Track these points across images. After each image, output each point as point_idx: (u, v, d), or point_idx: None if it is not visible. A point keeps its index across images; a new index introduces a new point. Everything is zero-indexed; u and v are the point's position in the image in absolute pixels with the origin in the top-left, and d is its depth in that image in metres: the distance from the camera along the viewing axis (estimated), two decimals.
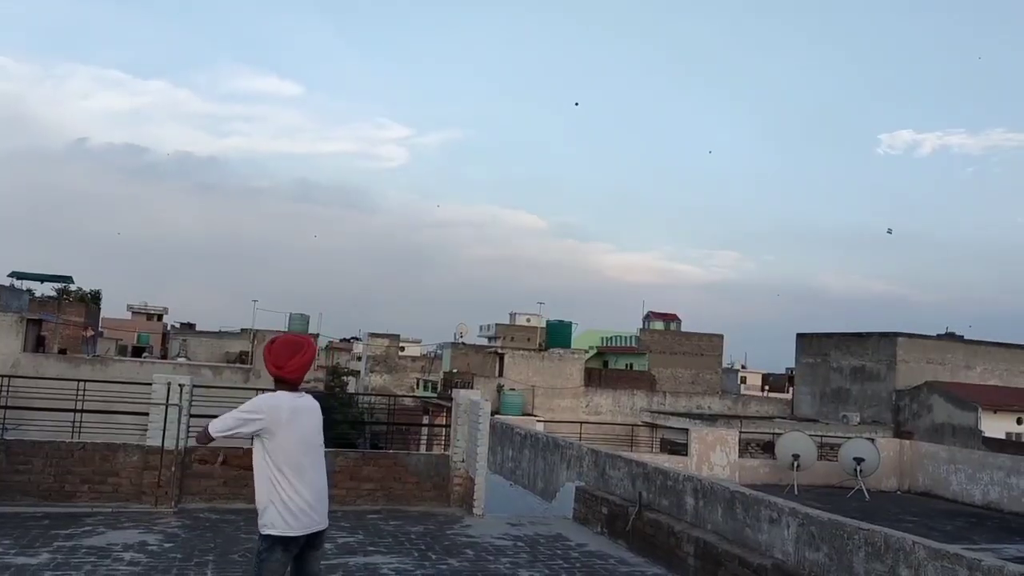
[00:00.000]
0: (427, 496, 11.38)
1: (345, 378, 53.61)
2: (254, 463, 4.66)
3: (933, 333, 31.57)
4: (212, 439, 4.63)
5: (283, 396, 4.65)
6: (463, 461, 11.42)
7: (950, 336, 31.40)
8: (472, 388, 31.55)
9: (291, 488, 4.55)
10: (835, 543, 6.95)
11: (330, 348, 70.01)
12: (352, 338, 77.61)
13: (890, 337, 28.49)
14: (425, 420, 31.36)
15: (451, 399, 12.42)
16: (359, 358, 63.15)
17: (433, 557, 8.53)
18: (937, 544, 6.18)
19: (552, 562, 8.69)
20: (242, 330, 52.51)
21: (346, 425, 33.69)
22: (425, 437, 24.41)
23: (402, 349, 63.53)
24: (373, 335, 60.92)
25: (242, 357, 32.96)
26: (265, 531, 4.59)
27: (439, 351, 52.73)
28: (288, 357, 4.62)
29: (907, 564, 6.18)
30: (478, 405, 11.28)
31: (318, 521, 4.69)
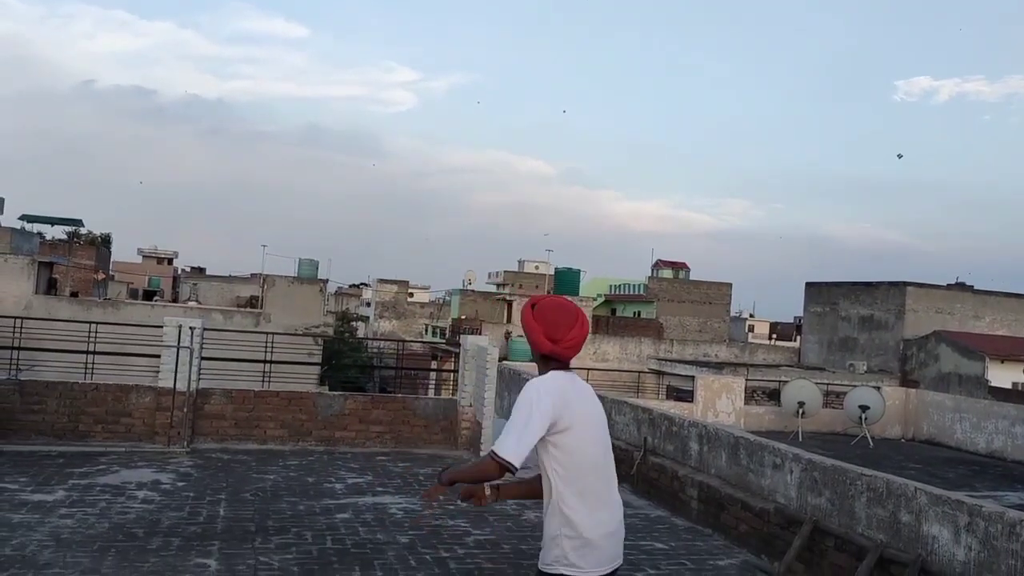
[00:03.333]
0: (435, 439, 11.55)
1: (354, 323, 53.97)
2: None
3: (943, 283, 31.46)
4: (513, 471, 3.10)
5: (563, 378, 3.25)
6: (470, 405, 11.55)
7: (960, 286, 31.28)
8: (480, 334, 31.76)
9: (586, 508, 3.19)
10: (837, 488, 7.03)
11: (339, 294, 70.35)
12: (361, 284, 77.95)
13: (899, 287, 28.40)
14: (433, 365, 31.64)
15: (459, 345, 12.52)
16: (368, 304, 63.49)
17: (441, 498, 8.64)
18: (938, 490, 6.24)
19: None
20: (252, 275, 52.77)
21: (356, 370, 34.06)
22: (433, 382, 24.66)
23: (411, 295, 63.85)
24: (382, 281, 61.19)
25: (252, 301, 33.15)
26: (549, 569, 3.23)
27: (448, 298, 52.98)
28: (568, 327, 3.28)
29: (908, 510, 6.26)
30: (486, 351, 11.36)
31: (618, 554, 3.32)
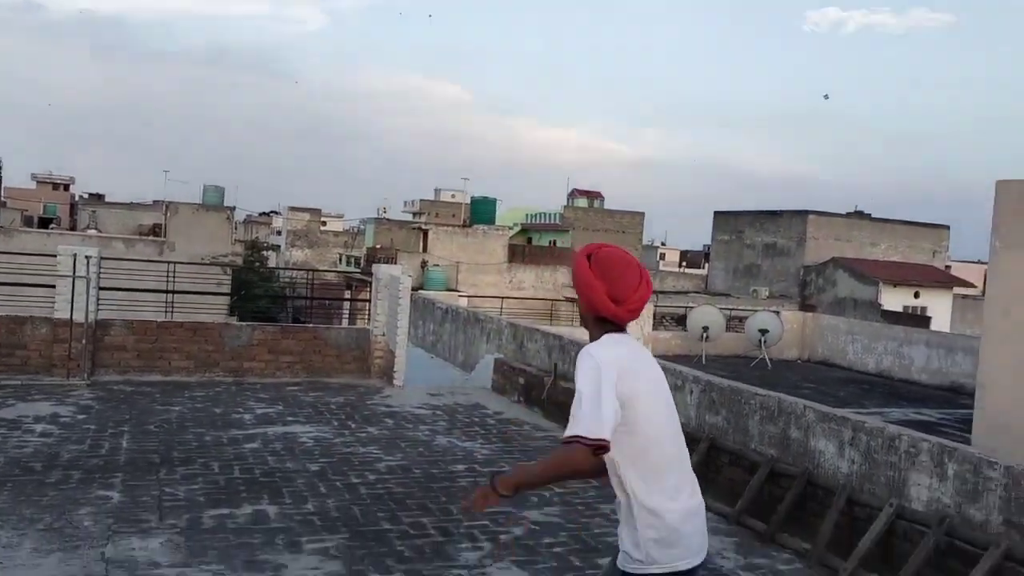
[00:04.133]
0: (348, 369, 11.53)
1: (265, 253, 52.79)
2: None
3: (843, 212, 32.70)
4: (608, 448, 2.54)
5: (623, 343, 2.76)
6: (384, 335, 11.54)
7: (858, 214, 32.59)
8: (395, 264, 31.53)
9: (663, 492, 2.69)
10: (733, 408, 7.37)
11: (248, 222, 68.45)
12: (271, 212, 76.00)
13: (801, 215, 29.40)
14: (347, 295, 31.33)
15: (373, 274, 12.42)
16: (279, 232, 62.07)
17: (353, 426, 8.72)
18: (826, 408, 6.61)
19: (470, 428, 9.00)
20: (154, 202, 50.77)
21: (267, 300, 33.46)
22: (347, 312, 24.46)
23: (324, 224, 62.65)
24: (293, 209, 59.75)
25: (155, 230, 31.98)
26: (633, 570, 2.70)
27: (362, 226, 52.22)
28: (635, 286, 2.76)
29: (797, 426, 6.62)
30: (399, 280, 11.31)
31: (703, 544, 2.79)
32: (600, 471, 2.77)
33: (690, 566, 2.71)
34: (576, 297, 2.91)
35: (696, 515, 2.75)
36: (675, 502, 2.69)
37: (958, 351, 17.08)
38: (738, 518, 6.49)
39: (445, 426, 9.03)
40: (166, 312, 16.57)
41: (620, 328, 2.79)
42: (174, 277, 15.73)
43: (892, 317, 23.97)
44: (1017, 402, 10.35)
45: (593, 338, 2.80)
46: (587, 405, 2.55)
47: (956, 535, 5.18)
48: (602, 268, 2.77)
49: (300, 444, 7.85)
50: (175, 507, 5.90)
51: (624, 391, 2.61)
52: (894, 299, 25.98)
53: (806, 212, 29.88)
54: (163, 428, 8.09)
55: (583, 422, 2.52)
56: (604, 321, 2.79)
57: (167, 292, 15.18)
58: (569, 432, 2.53)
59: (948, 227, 33.73)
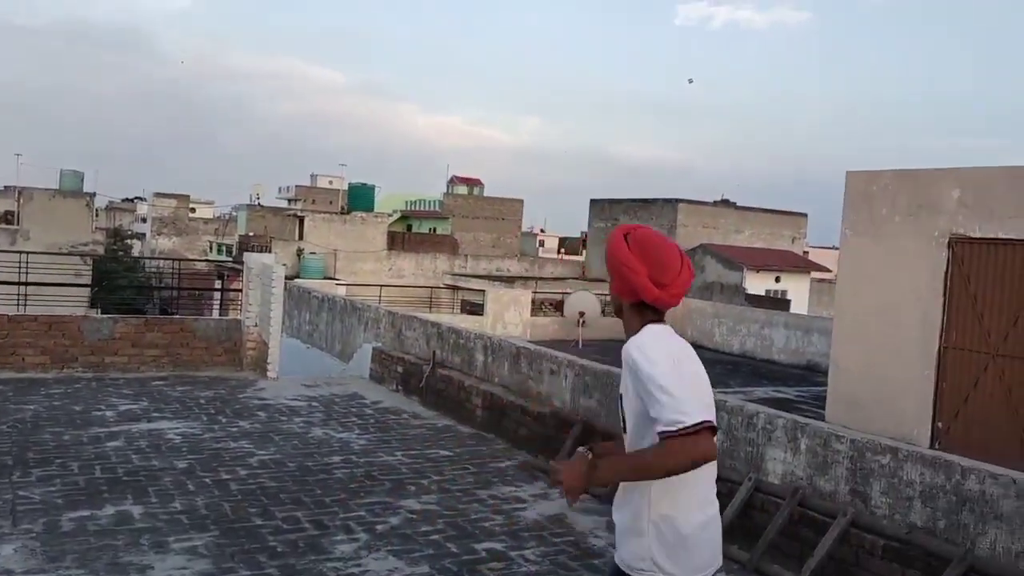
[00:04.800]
0: (218, 361, 11.16)
1: (129, 241, 50.20)
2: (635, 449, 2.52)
3: (711, 199, 34.09)
4: (713, 426, 2.34)
5: (669, 336, 2.54)
6: (256, 325, 11.23)
7: (725, 202, 34.05)
8: (270, 252, 30.64)
9: (684, 494, 2.47)
10: (605, 390, 7.60)
11: (110, 209, 64.86)
12: (136, 198, 72.28)
13: (672, 203, 30.46)
14: (218, 285, 30.23)
15: (244, 263, 12.05)
16: (144, 220, 59.15)
17: (223, 420, 8.47)
18: None
19: (346, 419, 8.90)
20: (5, 188, 47.33)
21: (132, 291, 31.90)
22: (218, 303, 23.60)
23: (193, 211, 60.13)
24: (159, 195, 57.07)
25: (7, 217, 29.85)
26: (632, 572, 2.52)
27: (234, 213, 50.43)
28: (677, 268, 2.55)
29: None
30: (271, 269, 11.02)
31: (717, 554, 2.59)
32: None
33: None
34: (609, 281, 2.67)
35: (711, 527, 2.54)
36: (701, 512, 2.49)
37: (814, 332, 18.17)
38: (610, 497, 6.70)
39: (321, 417, 8.89)
40: (19, 305, 15.55)
41: (660, 316, 2.58)
42: (27, 268, 14.75)
43: (755, 300, 25.22)
44: (865, 378, 11.13)
45: (630, 327, 2.59)
46: (671, 394, 2.30)
47: (808, 505, 5.54)
48: (643, 249, 2.55)
49: (167, 441, 7.56)
50: (30, 511, 5.58)
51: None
52: (757, 283, 27.35)
53: (677, 200, 30.97)
54: (16, 428, 7.61)
55: (692, 408, 2.28)
56: (643, 307, 2.56)
57: (20, 284, 14.22)
58: (672, 426, 2.26)
59: (806, 215, 35.73)
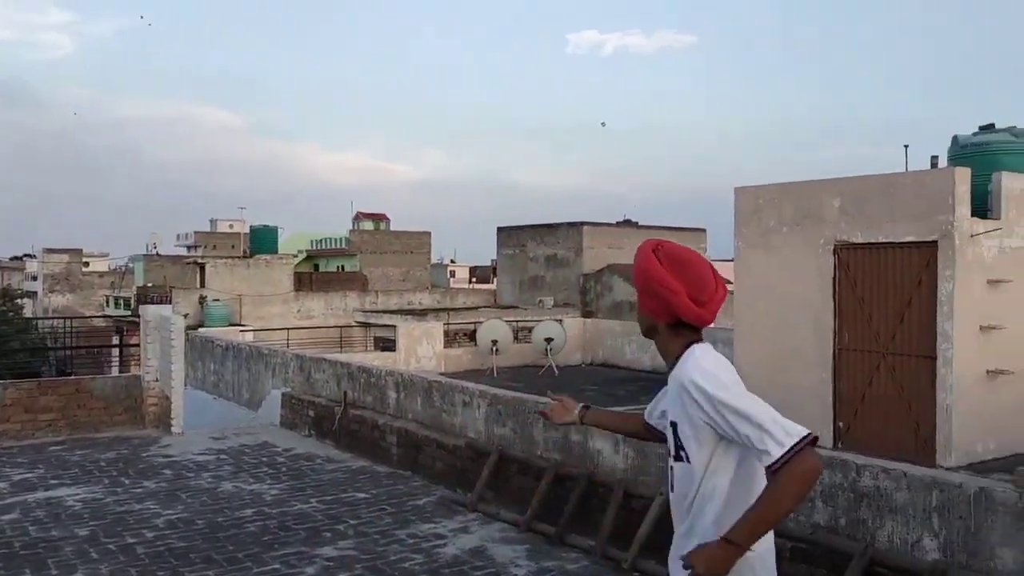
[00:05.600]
0: (119, 420, 10.72)
1: (20, 301, 47.76)
2: (689, 480, 2.43)
3: (613, 220, 34.79)
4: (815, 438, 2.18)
5: (719, 355, 2.43)
6: (157, 380, 10.85)
7: (627, 223, 34.78)
8: (171, 302, 29.64)
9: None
10: (518, 418, 7.65)
11: None
12: (25, 255, 68.93)
13: (577, 226, 30.94)
14: (116, 341, 29.06)
15: (141, 316, 11.65)
16: (35, 278, 56.45)
17: (127, 482, 8.13)
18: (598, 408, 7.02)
19: (257, 470, 8.67)
20: None
21: (24, 353, 30.32)
22: (117, 359, 22.67)
23: (87, 265, 57.74)
24: (50, 251, 54.60)
25: None
26: None
27: (131, 264, 48.64)
28: (714, 284, 2.43)
29: (576, 430, 6.97)
30: (169, 320, 10.69)
31: None
32: (621, 430, 2.91)
33: None
34: (638, 304, 2.52)
35: (772, 552, 2.41)
36: (765, 539, 2.32)
37: (718, 342, 18.67)
38: (529, 525, 6.73)
39: (231, 470, 8.64)
40: None
41: (699, 334, 2.44)
42: None
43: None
44: (768, 385, 11.50)
45: (670, 349, 2.46)
46: (764, 413, 2.18)
47: None
48: (676, 265, 2.40)
49: (67, 508, 7.21)
50: None
51: None
52: None
53: (581, 223, 31.48)
54: None
55: (783, 426, 2.15)
56: (680, 327, 2.42)
57: None
58: (787, 445, 2.11)
59: (704, 230, 36.84)
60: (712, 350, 2.41)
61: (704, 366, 2.32)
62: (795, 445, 2.11)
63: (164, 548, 6.16)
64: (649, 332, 2.54)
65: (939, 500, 4.74)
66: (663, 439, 2.71)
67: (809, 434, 2.14)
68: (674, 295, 2.36)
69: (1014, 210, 10.53)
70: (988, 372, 10.16)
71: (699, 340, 2.43)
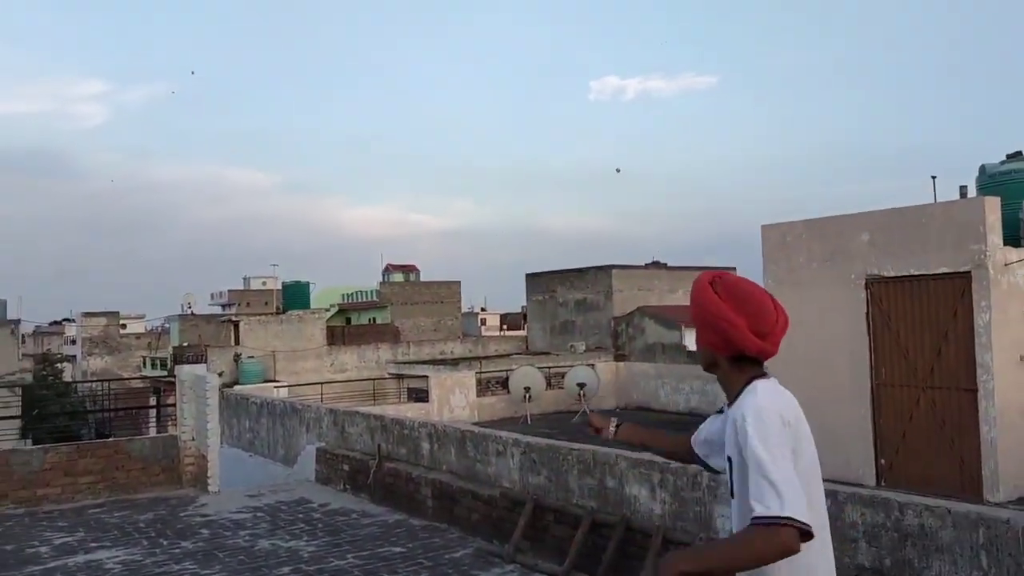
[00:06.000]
0: (156, 481, 10.80)
1: (59, 365, 48.62)
2: (736, 521, 2.34)
3: (642, 263, 34.78)
4: (809, 537, 2.08)
5: (784, 390, 2.34)
6: (193, 439, 10.95)
7: (656, 264, 34.77)
8: (206, 361, 29.97)
9: (823, 560, 2.30)
10: (552, 465, 7.59)
11: (37, 334, 62.94)
12: (64, 320, 70.38)
13: (606, 270, 30.96)
14: (153, 401, 29.37)
15: (176, 376, 11.81)
16: (74, 341, 57.51)
17: (165, 543, 8.16)
18: (635, 454, 6.95)
19: (293, 527, 8.67)
20: None
21: (64, 417, 30.77)
22: (154, 420, 22.94)
23: (124, 327, 58.73)
24: (88, 314, 55.67)
25: None
26: None
27: (167, 325, 49.43)
28: (774, 315, 2.34)
29: (612, 475, 6.92)
30: (204, 379, 10.82)
31: None
32: (662, 445, 2.85)
33: None
34: (698, 342, 2.49)
35: None
36: (827, 568, 2.29)
37: None
38: (568, 574, 6.64)
39: (267, 528, 8.64)
40: None
41: (761, 367, 2.35)
42: None
43: (696, 357, 25.58)
44: (819, 421, 11.36)
45: (732, 384, 2.36)
46: (783, 477, 2.08)
47: None
48: (736, 298, 2.34)
49: (106, 571, 7.24)
50: None
51: (798, 447, 2.23)
52: (695, 340, 27.72)
53: (610, 267, 31.49)
54: None
55: (788, 499, 2.05)
56: (742, 361, 2.34)
57: None
58: (773, 511, 2.04)
59: (735, 268, 36.70)
60: (776, 387, 2.31)
61: (761, 404, 2.23)
62: (793, 520, 2.03)
63: None
64: (710, 367, 2.47)
65: (986, 537, 4.61)
66: (704, 466, 2.69)
67: (805, 523, 2.05)
68: (734, 328, 2.30)
69: None
70: None
71: (762, 374, 2.34)
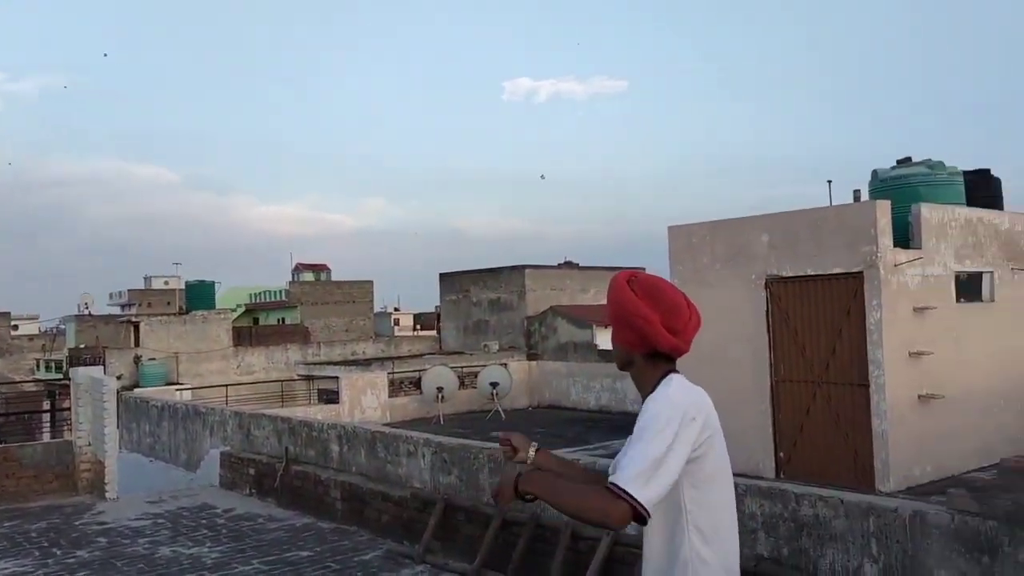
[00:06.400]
0: (50, 488, 10.32)
1: None
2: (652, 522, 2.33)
3: (555, 263, 35.11)
4: (645, 522, 2.18)
5: (693, 386, 2.41)
6: (90, 444, 10.50)
7: (568, 264, 35.13)
8: (103, 363, 28.79)
9: (722, 548, 2.35)
10: (464, 464, 7.59)
11: None
12: None
13: (519, 270, 31.13)
14: (47, 405, 28.01)
15: (71, 379, 11.29)
16: None
17: (58, 553, 7.80)
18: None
19: (196, 533, 8.41)
20: None
21: None
22: (48, 425, 21.88)
23: (15, 328, 55.84)
24: None
25: None
26: None
27: (62, 326, 47.23)
28: (688, 313, 2.42)
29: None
30: (101, 382, 10.39)
31: None
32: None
33: None
34: (612, 338, 2.53)
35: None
36: (732, 566, 2.37)
37: None
38: (478, 573, 6.65)
39: (168, 535, 8.36)
40: None
41: (674, 366, 2.42)
42: None
43: (607, 356, 26.03)
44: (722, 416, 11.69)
45: (645, 380, 2.42)
46: (647, 465, 2.17)
47: None
48: (651, 295, 2.40)
49: None
50: None
51: (700, 443, 2.28)
52: (606, 339, 28.26)
53: (523, 267, 31.67)
54: None
55: (640, 482, 2.14)
56: (656, 357, 2.40)
57: None
58: (623, 484, 2.14)
59: (644, 268, 37.41)
60: (687, 383, 2.38)
61: (671, 394, 2.31)
62: (632, 498, 2.11)
63: None
64: (625, 365, 2.52)
65: (876, 526, 4.84)
66: None
67: (645, 508, 2.13)
68: (650, 325, 2.36)
69: (933, 239, 10.97)
70: (920, 397, 10.48)
71: (674, 371, 2.41)
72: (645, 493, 2.13)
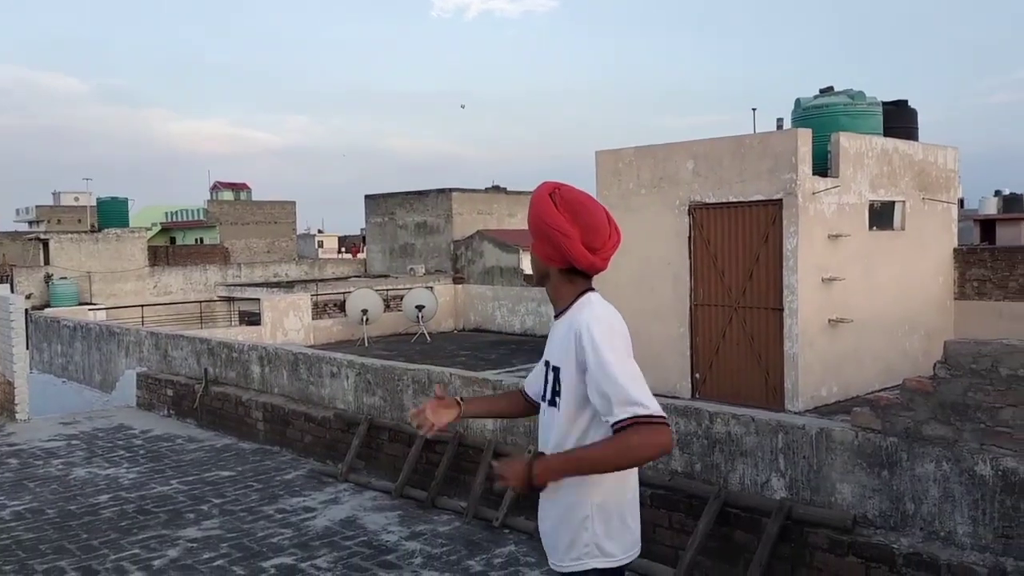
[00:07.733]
0: None
1: None
2: (560, 428, 2.35)
3: (482, 187, 34.88)
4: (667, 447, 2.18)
5: (608, 305, 2.37)
6: None
7: (496, 189, 34.96)
8: (11, 282, 27.60)
9: (618, 476, 2.32)
10: (388, 386, 7.60)
11: None
12: None
13: (446, 193, 30.84)
14: None
15: None
16: None
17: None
18: (467, 372, 7.09)
19: (113, 454, 8.26)
20: None
21: None
22: None
23: None
24: None
25: None
26: (578, 567, 2.35)
27: None
28: (607, 230, 2.35)
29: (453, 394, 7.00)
30: (7, 300, 9.96)
31: (638, 535, 2.46)
32: (498, 413, 2.99)
33: (629, 560, 2.39)
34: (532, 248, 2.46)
35: (637, 497, 2.45)
36: (631, 491, 2.40)
37: None
38: (401, 491, 6.73)
39: (83, 456, 8.19)
40: None
41: (590, 283, 2.39)
42: None
43: (531, 280, 26.24)
44: (632, 342, 11.97)
45: (560, 295, 2.40)
46: (634, 382, 2.16)
47: None
48: (572, 210, 2.33)
49: None
50: None
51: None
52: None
53: (451, 190, 31.37)
54: None
55: (644, 400, 2.13)
56: (573, 274, 2.37)
57: None
58: (640, 412, 2.11)
59: None
60: (605, 302, 2.37)
61: (600, 315, 2.29)
62: (645, 416, 2.11)
63: (11, 541, 5.79)
64: (542, 278, 2.48)
65: (784, 442, 5.05)
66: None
67: (662, 417, 2.15)
68: (567, 239, 2.30)
69: (850, 169, 11.26)
70: (830, 321, 10.90)
71: (591, 288, 2.39)
72: (654, 405, 2.14)
